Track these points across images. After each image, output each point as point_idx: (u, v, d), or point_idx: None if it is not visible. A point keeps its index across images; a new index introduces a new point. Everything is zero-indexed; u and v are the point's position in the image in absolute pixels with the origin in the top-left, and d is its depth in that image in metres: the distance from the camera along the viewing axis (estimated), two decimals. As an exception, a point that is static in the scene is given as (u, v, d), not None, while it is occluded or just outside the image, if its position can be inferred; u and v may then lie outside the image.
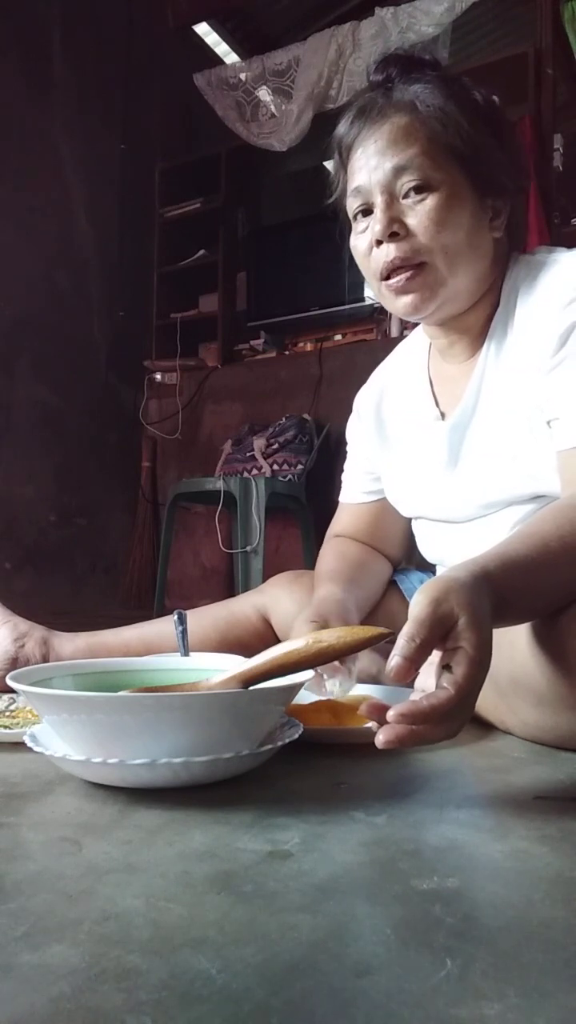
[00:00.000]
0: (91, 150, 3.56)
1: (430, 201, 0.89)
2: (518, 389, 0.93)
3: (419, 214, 0.89)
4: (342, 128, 0.95)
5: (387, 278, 0.93)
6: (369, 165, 0.91)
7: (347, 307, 3.25)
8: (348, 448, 1.23)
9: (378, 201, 0.91)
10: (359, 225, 0.95)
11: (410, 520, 1.17)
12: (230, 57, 4.05)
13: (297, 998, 0.35)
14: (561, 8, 2.98)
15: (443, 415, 1.04)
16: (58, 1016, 0.33)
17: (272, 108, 3.59)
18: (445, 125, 0.89)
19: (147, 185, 3.81)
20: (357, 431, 1.20)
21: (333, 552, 1.16)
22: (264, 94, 3.60)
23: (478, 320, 0.98)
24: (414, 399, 1.09)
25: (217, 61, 3.99)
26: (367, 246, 0.93)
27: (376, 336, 3.25)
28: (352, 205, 0.95)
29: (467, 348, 1.01)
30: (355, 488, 1.21)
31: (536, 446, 0.91)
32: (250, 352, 3.62)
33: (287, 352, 3.53)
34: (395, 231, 0.90)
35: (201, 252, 3.73)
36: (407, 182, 0.89)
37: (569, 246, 0.97)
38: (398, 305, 0.95)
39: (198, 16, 3.87)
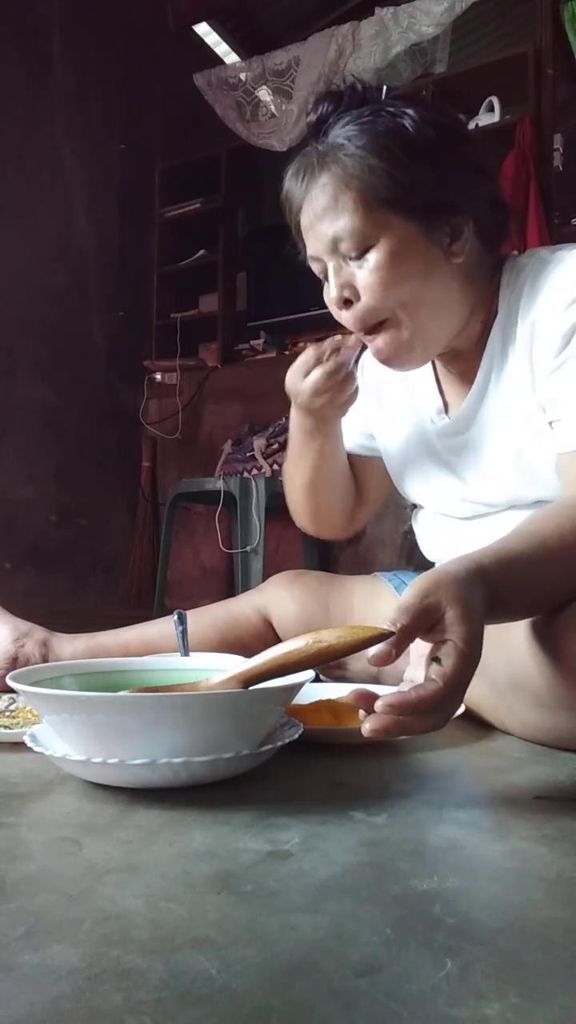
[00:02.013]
0: (91, 150, 3.56)
1: (372, 261, 0.87)
2: (522, 392, 0.92)
3: (364, 277, 0.88)
4: (286, 187, 0.94)
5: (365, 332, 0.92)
6: (313, 236, 0.91)
7: (347, 307, 3.24)
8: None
9: (329, 268, 0.91)
10: (325, 284, 0.94)
11: (386, 489, 1.18)
12: (230, 57, 4.05)
13: (297, 998, 0.35)
14: (561, 8, 2.98)
15: (446, 407, 1.03)
16: (58, 1016, 0.33)
17: (272, 108, 3.58)
18: (366, 178, 0.86)
19: (147, 185, 3.81)
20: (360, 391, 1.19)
21: None
22: (264, 94, 3.60)
23: (468, 338, 0.96)
24: (418, 383, 1.07)
25: (217, 61, 3.99)
26: (335, 309, 0.93)
27: (376, 336, 3.25)
28: (314, 268, 0.95)
29: (467, 356, 0.99)
30: (348, 438, 1.18)
31: (539, 449, 0.91)
32: (250, 352, 3.62)
33: (287, 352, 3.53)
34: (347, 297, 0.90)
35: (201, 252, 3.73)
36: (347, 247, 0.88)
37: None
38: (387, 366, 0.95)
39: (198, 16, 3.87)
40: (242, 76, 3.65)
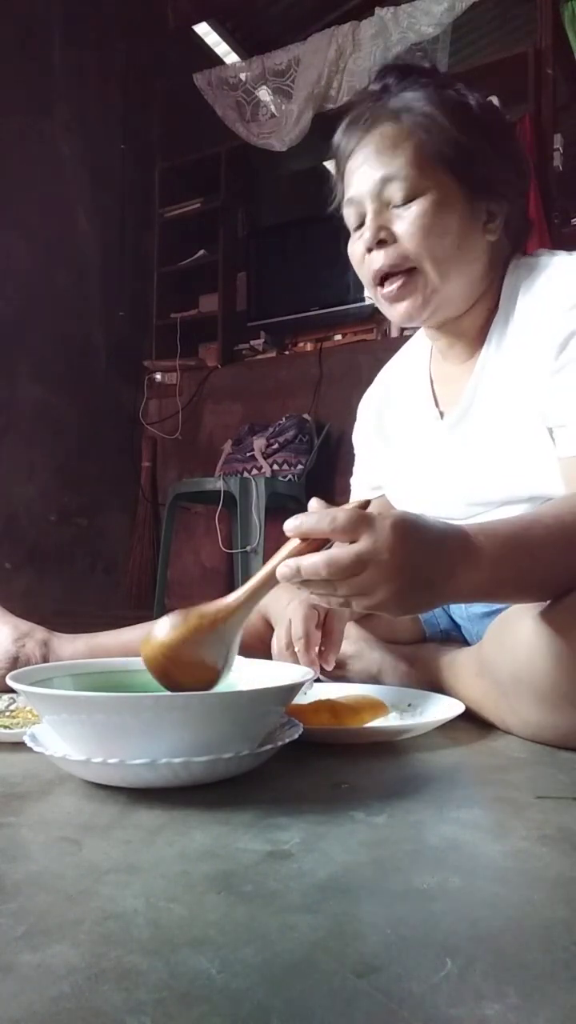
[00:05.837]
0: (91, 150, 3.56)
1: (416, 208, 0.90)
2: (517, 390, 0.93)
3: (406, 221, 0.91)
4: (338, 137, 0.97)
5: (381, 285, 0.95)
6: (360, 176, 0.93)
7: (347, 307, 3.24)
8: (356, 454, 1.24)
9: (368, 209, 0.93)
10: (355, 233, 0.97)
11: None
12: (230, 57, 4.04)
13: (297, 998, 0.35)
14: (561, 8, 2.98)
15: (442, 415, 1.05)
16: (58, 1016, 0.33)
17: (272, 108, 3.58)
18: (432, 132, 0.89)
19: (147, 185, 3.81)
20: (361, 436, 1.22)
21: None
22: (264, 94, 3.60)
23: (475, 322, 0.99)
24: (415, 399, 1.10)
25: (217, 61, 3.99)
26: (361, 253, 0.95)
27: (376, 336, 3.25)
28: (348, 215, 0.97)
29: (467, 349, 1.02)
30: (363, 484, 1.21)
31: (534, 447, 0.92)
32: (250, 352, 3.62)
33: (287, 352, 3.53)
34: (382, 238, 0.92)
35: (201, 252, 3.73)
36: (395, 191, 0.91)
37: (569, 246, 0.97)
38: (393, 313, 0.97)
39: (198, 16, 3.87)
40: (242, 76, 3.65)
